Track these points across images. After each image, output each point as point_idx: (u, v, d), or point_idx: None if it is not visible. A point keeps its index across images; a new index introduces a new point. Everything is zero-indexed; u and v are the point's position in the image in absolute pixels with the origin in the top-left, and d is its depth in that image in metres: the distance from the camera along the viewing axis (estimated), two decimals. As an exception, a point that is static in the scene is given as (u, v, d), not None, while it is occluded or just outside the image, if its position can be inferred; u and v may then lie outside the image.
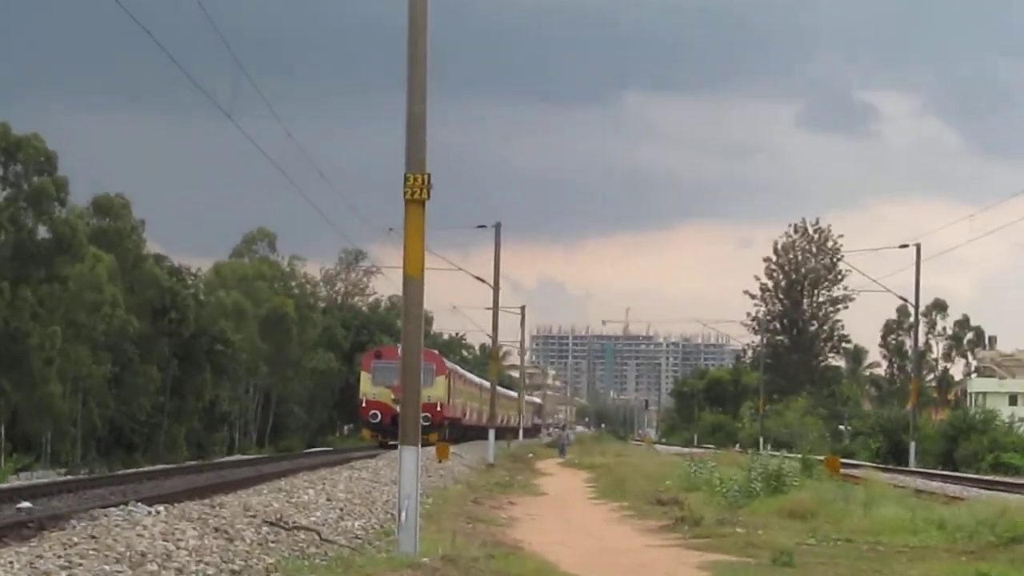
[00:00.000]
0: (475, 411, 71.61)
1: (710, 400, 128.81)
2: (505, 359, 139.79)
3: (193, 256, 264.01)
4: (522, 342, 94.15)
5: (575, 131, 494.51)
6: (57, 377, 60.72)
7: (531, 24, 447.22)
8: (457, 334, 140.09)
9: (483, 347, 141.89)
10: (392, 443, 45.08)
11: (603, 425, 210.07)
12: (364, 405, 58.50)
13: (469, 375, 75.43)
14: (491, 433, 49.51)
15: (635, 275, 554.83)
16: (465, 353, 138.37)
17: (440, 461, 39.29)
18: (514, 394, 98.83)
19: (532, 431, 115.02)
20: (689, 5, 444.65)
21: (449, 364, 64.02)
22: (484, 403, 68.82)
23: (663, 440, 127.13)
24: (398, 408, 17.73)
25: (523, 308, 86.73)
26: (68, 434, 63.66)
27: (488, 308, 55.26)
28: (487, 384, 68.25)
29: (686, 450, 72.69)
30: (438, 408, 57.71)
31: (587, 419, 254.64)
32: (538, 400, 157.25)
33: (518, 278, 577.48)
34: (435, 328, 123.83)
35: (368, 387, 58.30)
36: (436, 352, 63.44)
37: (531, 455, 58.64)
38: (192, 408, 77.23)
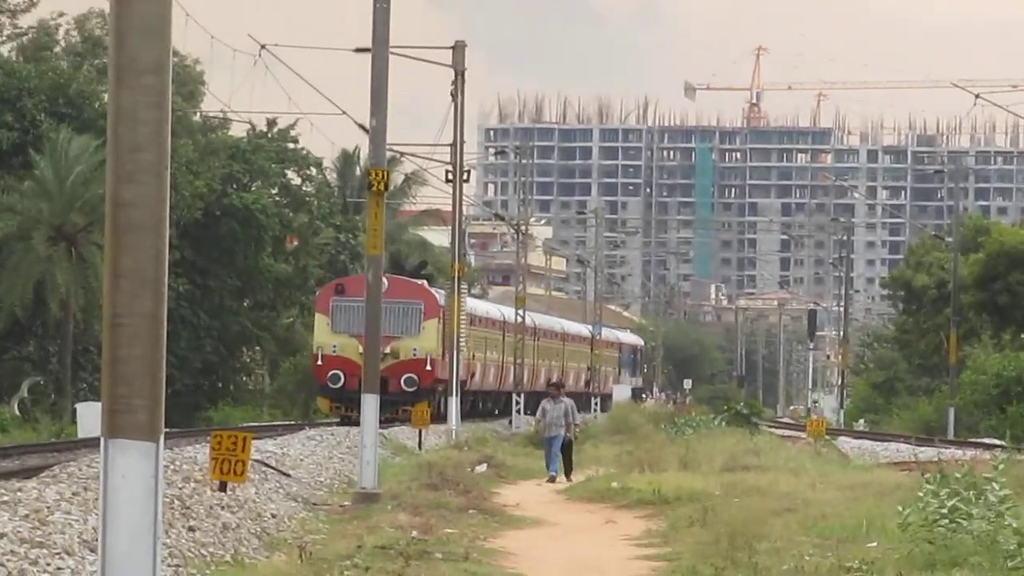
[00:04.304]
0: (495, 367, 75.07)
1: (994, 309, 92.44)
2: (411, 194, 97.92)
3: None
4: (458, 146, 60.35)
5: None
6: None
7: None
8: (273, 124, 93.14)
9: (349, 158, 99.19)
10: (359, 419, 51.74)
11: (688, 384, 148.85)
12: (320, 363, 62.77)
13: (485, 308, 78.22)
14: (368, 406, 36.81)
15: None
16: (297, 181, 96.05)
17: (222, 488, 27.80)
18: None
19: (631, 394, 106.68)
20: None
21: (446, 298, 64.85)
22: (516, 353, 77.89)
23: (856, 423, 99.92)
24: None
25: (459, 49, 58.01)
26: None
27: (361, 51, 41.30)
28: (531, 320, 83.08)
29: (923, 451, 57.60)
30: (427, 367, 61.97)
31: (645, 364, 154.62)
32: (624, 335, 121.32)
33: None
34: (210, 104, 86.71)
35: (325, 336, 62.74)
36: (423, 284, 66.58)
37: (482, 467, 48.46)
38: None
